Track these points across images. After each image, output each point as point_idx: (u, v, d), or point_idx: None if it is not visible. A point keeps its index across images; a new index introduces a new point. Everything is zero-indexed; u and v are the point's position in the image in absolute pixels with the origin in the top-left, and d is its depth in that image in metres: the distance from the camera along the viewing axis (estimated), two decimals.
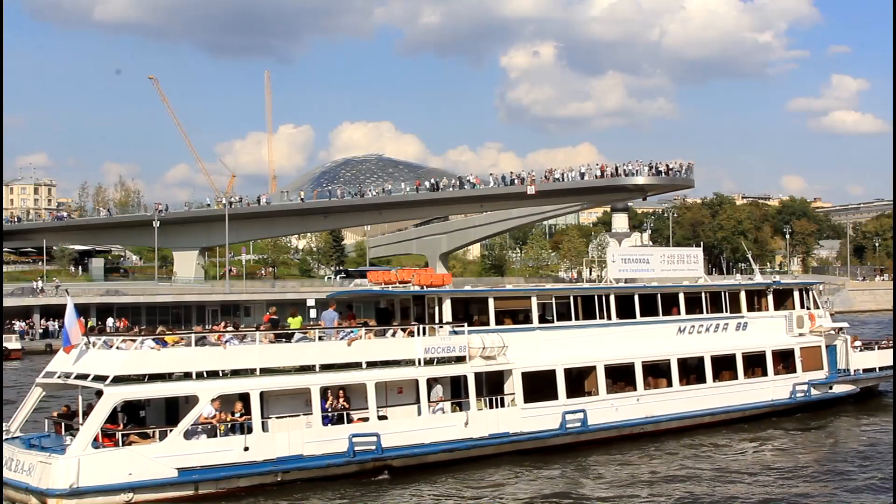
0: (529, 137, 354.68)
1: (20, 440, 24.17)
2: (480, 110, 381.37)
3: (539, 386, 28.77)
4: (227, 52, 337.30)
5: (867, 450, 29.01)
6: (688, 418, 31.73)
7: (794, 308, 36.15)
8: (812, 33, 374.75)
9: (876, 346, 38.44)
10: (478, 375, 27.75)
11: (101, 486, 22.06)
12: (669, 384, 31.68)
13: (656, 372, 31.75)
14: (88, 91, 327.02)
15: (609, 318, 31.50)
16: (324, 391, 25.37)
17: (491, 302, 29.41)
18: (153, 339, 24.23)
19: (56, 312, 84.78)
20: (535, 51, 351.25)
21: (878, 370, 37.51)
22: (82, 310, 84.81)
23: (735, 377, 33.35)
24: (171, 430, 23.28)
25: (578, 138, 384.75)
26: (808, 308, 36.43)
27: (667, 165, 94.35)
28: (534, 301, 30.31)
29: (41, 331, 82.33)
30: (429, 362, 27.12)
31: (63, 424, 24.55)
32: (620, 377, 30.87)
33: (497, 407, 27.99)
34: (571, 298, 31.19)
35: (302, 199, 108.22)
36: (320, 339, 26.46)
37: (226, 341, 24.91)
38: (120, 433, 22.89)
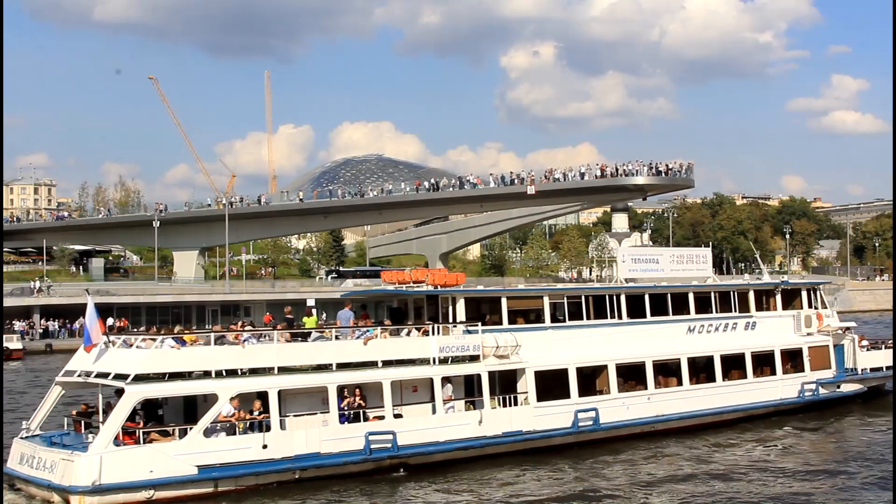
0: (529, 137, 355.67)
1: (40, 438, 24.41)
2: (480, 110, 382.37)
3: (551, 385, 29.02)
4: (227, 52, 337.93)
5: (873, 448, 29.24)
6: (698, 417, 31.97)
7: (801, 308, 36.44)
8: (812, 33, 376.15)
9: (883, 346, 38.72)
10: (491, 374, 28.01)
11: (123, 483, 22.27)
12: (679, 383, 31.95)
13: (666, 371, 32.01)
14: (88, 91, 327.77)
15: (620, 317, 31.76)
16: (341, 390, 25.62)
17: (504, 301, 29.65)
18: (173, 338, 24.43)
19: (56, 312, 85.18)
20: (535, 51, 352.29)
21: (884, 369, 37.85)
22: (81, 310, 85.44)
23: (744, 376, 33.62)
24: (190, 428, 23.50)
25: (578, 138, 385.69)
26: (816, 308, 36.71)
27: (666, 165, 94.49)
28: (546, 301, 30.55)
29: (41, 331, 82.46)
30: (443, 361, 27.36)
31: (83, 422, 24.84)
32: (631, 376, 31.13)
33: (510, 405, 28.25)
34: (583, 298, 31.44)
35: (301, 200, 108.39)
36: (336, 338, 26.70)
37: (244, 340, 25.15)
38: (141, 431, 23.10)
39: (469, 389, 28.20)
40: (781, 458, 28.37)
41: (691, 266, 35.65)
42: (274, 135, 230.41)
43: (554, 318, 30.62)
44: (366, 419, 25.80)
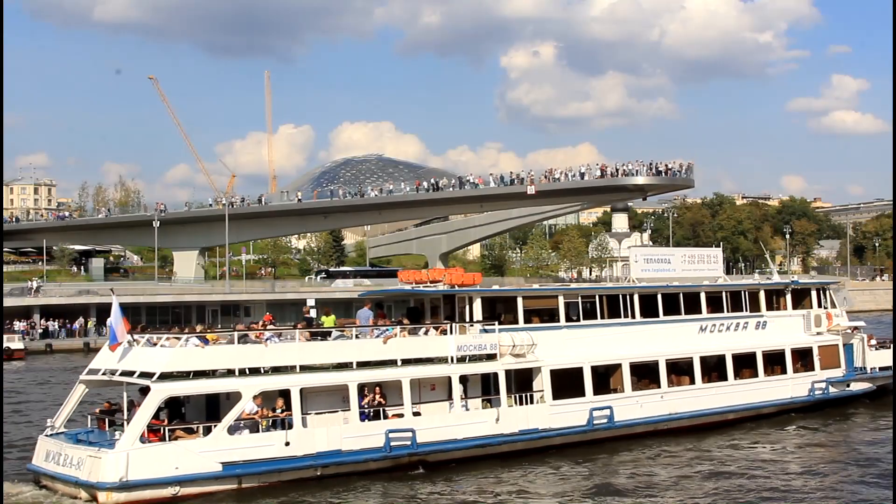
0: (529, 137, 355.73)
1: (65, 435, 24.66)
2: (480, 110, 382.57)
3: (567, 383, 29.31)
4: (227, 52, 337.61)
5: (881, 446, 29.53)
6: (710, 415, 32.28)
7: (811, 307, 36.75)
8: (812, 33, 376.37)
9: (891, 345, 38.99)
10: (508, 373, 28.30)
11: (149, 479, 22.52)
12: (692, 382, 32.26)
13: (679, 370, 32.33)
14: (88, 91, 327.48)
15: (633, 316, 32.06)
16: (361, 388, 25.90)
17: (520, 301, 29.92)
18: (197, 337, 24.70)
19: (56, 312, 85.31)
20: (535, 51, 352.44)
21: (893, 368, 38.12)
22: (81, 310, 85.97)
23: (755, 375, 33.94)
24: (214, 426, 23.76)
25: (578, 138, 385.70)
26: (826, 307, 37.04)
27: (666, 166, 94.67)
28: (561, 300, 30.84)
29: (41, 331, 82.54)
30: (461, 360, 27.65)
31: (106, 420, 25.07)
32: (645, 375, 31.44)
33: (526, 404, 28.53)
34: (597, 298, 31.76)
35: (299, 200, 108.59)
36: (357, 337, 26.97)
37: (266, 339, 25.41)
38: (166, 428, 23.35)
39: (486, 388, 28.46)
40: (792, 456, 28.69)
41: (702, 266, 36.00)
42: (274, 135, 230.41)
43: (568, 318, 30.90)
44: (385, 417, 26.07)
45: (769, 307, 35.89)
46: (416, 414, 26.64)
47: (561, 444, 28.66)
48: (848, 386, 36.54)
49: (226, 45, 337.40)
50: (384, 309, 31.42)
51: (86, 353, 76.58)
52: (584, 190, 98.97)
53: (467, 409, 27.59)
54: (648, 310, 32.51)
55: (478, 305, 29.17)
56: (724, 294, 34.76)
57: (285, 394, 24.74)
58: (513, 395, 28.40)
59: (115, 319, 24.28)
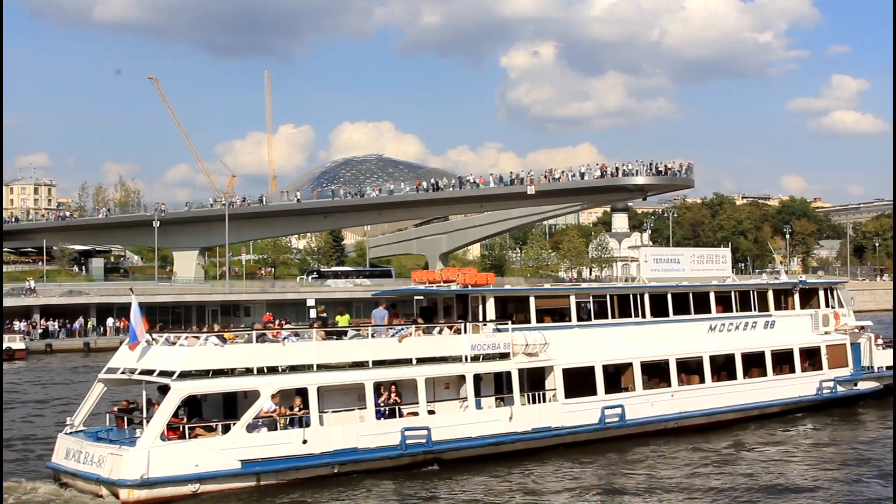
0: (529, 137, 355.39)
1: (84, 433, 24.85)
2: (480, 110, 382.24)
3: (579, 382, 29.57)
4: (227, 52, 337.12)
5: (888, 445, 29.72)
6: (719, 414, 32.56)
7: (819, 307, 37.01)
8: (812, 33, 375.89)
9: (891, 345, 39.20)
10: (521, 371, 28.53)
11: (170, 476, 22.75)
12: (702, 380, 32.52)
13: (689, 369, 32.59)
14: (88, 91, 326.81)
15: (643, 316, 32.32)
16: (377, 386, 26.12)
17: (532, 301, 30.15)
18: (216, 336, 24.90)
19: (56, 312, 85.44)
20: (535, 51, 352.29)
21: None
22: (81, 310, 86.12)
23: (764, 374, 34.20)
24: (233, 424, 23.96)
25: (578, 138, 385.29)
26: (833, 307, 37.32)
27: (666, 166, 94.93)
28: (572, 300, 31.09)
29: (41, 331, 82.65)
30: (475, 359, 27.87)
31: (125, 418, 25.25)
32: (655, 374, 31.70)
33: (539, 402, 28.75)
34: (608, 297, 31.98)
35: (298, 200, 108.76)
36: (372, 336, 27.19)
37: (284, 338, 25.62)
38: (186, 426, 23.54)
39: (498, 386, 28.67)
40: (801, 455, 28.92)
41: (711, 266, 36.28)
42: (274, 135, 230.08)
43: (580, 317, 31.14)
44: (400, 415, 26.28)
45: (777, 307, 36.15)
46: (431, 412, 26.86)
47: (573, 442, 28.90)
48: (855, 385, 36.80)
49: (226, 45, 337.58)
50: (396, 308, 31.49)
51: (85, 353, 76.96)
52: (584, 190, 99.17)
53: (479, 408, 27.79)
54: (658, 309, 32.76)
55: (491, 305, 29.40)
56: (733, 294, 35.02)
57: (303, 392, 24.95)
58: (525, 394, 28.62)
59: (135, 319, 24.47)
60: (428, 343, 27.57)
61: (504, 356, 28.40)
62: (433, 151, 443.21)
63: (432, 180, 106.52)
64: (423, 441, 25.95)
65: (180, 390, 23.51)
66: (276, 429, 24.41)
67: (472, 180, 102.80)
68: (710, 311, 34.12)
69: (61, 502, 23.02)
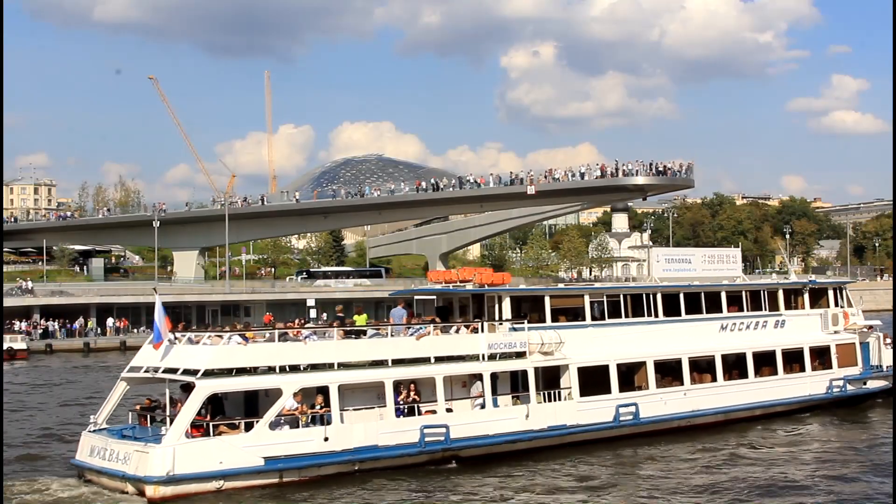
0: (529, 137, 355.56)
1: (108, 431, 25.10)
2: (480, 110, 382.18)
3: (593, 380, 29.84)
4: (227, 52, 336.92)
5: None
6: (731, 412, 32.86)
7: (828, 306, 37.34)
8: (812, 33, 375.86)
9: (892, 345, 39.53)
10: (537, 370, 28.79)
11: (195, 473, 23.03)
12: (714, 379, 32.82)
13: (701, 367, 32.88)
14: (88, 91, 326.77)
15: (656, 315, 32.63)
16: (397, 385, 26.38)
17: (547, 300, 30.45)
18: (239, 335, 25.17)
19: (57, 312, 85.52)
20: (535, 51, 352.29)
21: None
22: (81, 310, 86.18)
23: (775, 373, 34.51)
24: (256, 422, 24.22)
25: (578, 138, 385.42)
26: (842, 306, 37.66)
27: (665, 166, 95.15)
28: (586, 299, 31.38)
29: (41, 331, 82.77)
30: (492, 357, 28.13)
31: (147, 416, 25.49)
32: (668, 372, 31.99)
33: (554, 400, 29.03)
34: (621, 297, 32.29)
35: (297, 200, 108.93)
36: (391, 335, 27.46)
37: (305, 337, 25.90)
38: (210, 424, 23.79)
39: (514, 385, 28.95)
40: (812, 453, 29.13)
41: (722, 266, 36.68)
42: (274, 135, 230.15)
43: (593, 317, 31.43)
44: (419, 413, 26.55)
45: (787, 306, 36.48)
46: (449, 410, 27.13)
47: (588, 439, 29.17)
48: (865, 384, 37.10)
49: (226, 45, 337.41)
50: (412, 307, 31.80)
51: (85, 353, 77.11)
52: (584, 190, 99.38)
53: (496, 406, 28.06)
54: (671, 309, 33.08)
55: (507, 304, 29.69)
56: (743, 293, 35.34)
57: (324, 390, 25.21)
58: (541, 393, 28.90)
59: (159, 318, 24.72)
60: (446, 342, 27.84)
61: (520, 355, 28.67)
62: (433, 151, 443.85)
63: (432, 180, 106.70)
64: (442, 438, 26.20)
65: (205, 388, 23.76)
66: (297, 426, 24.66)
67: (472, 180, 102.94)
68: (721, 311, 34.44)
69: (81, 499, 23.15)
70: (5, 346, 66.89)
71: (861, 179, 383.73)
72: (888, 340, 38.75)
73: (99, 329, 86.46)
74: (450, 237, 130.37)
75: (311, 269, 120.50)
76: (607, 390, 30.03)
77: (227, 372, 24.40)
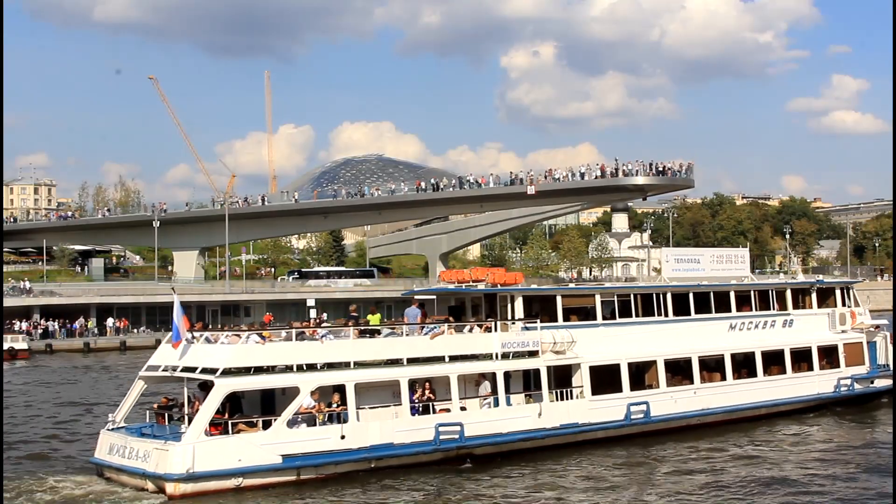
0: (529, 137, 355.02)
1: (126, 430, 25.28)
2: (480, 110, 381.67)
3: (605, 379, 30.07)
4: (227, 52, 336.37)
5: None
6: (740, 411, 33.09)
7: (836, 306, 37.62)
8: (812, 33, 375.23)
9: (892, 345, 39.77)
10: (549, 369, 29.00)
11: (214, 471, 23.21)
12: (723, 378, 33.07)
13: (711, 366, 33.13)
14: (88, 91, 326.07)
15: (666, 315, 32.86)
16: (412, 383, 26.59)
17: (559, 300, 30.67)
18: (256, 334, 25.37)
19: (57, 312, 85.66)
20: (535, 51, 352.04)
21: None
22: (81, 310, 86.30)
23: (783, 372, 34.76)
24: (274, 420, 24.42)
25: (578, 138, 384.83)
26: (849, 306, 37.94)
27: (665, 166, 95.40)
28: (598, 299, 31.61)
29: (41, 331, 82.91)
30: (505, 356, 28.34)
31: (165, 415, 25.66)
32: (678, 371, 32.22)
33: (567, 399, 29.26)
34: (632, 296, 32.53)
35: (297, 200, 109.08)
36: (406, 334, 27.67)
37: (322, 336, 26.11)
38: (229, 422, 23.98)
39: (527, 383, 29.17)
40: (819, 451, 29.29)
41: (730, 266, 36.95)
42: (274, 135, 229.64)
43: (605, 316, 31.64)
44: (434, 411, 26.76)
45: (795, 306, 36.73)
46: (463, 409, 27.34)
47: (599, 437, 29.39)
48: (872, 383, 37.32)
49: (226, 45, 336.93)
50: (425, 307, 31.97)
51: (85, 353, 77.33)
52: (584, 190, 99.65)
53: (509, 404, 28.27)
54: (680, 308, 33.30)
55: (519, 304, 29.92)
56: (752, 293, 35.59)
57: (340, 389, 25.41)
58: (553, 391, 29.11)
59: (177, 317, 24.90)
60: (460, 341, 28.05)
61: (533, 354, 28.88)
62: (433, 151, 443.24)
63: (432, 180, 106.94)
64: (457, 436, 26.41)
65: (224, 387, 23.94)
66: (314, 424, 24.86)
67: (472, 180, 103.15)
68: (730, 310, 34.68)
69: (93, 496, 23.30)
70: (6, 347, 67.13)
71: (861, 179, 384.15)
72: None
73: (97, 329, 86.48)
74: (450, 237, 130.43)
75: (303, 270, 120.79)
76: (618, 389, 30.26)
77: (246, 371, 24.60)
